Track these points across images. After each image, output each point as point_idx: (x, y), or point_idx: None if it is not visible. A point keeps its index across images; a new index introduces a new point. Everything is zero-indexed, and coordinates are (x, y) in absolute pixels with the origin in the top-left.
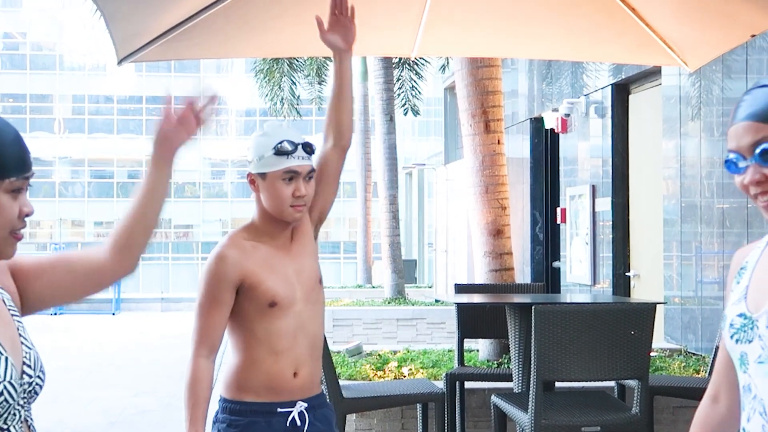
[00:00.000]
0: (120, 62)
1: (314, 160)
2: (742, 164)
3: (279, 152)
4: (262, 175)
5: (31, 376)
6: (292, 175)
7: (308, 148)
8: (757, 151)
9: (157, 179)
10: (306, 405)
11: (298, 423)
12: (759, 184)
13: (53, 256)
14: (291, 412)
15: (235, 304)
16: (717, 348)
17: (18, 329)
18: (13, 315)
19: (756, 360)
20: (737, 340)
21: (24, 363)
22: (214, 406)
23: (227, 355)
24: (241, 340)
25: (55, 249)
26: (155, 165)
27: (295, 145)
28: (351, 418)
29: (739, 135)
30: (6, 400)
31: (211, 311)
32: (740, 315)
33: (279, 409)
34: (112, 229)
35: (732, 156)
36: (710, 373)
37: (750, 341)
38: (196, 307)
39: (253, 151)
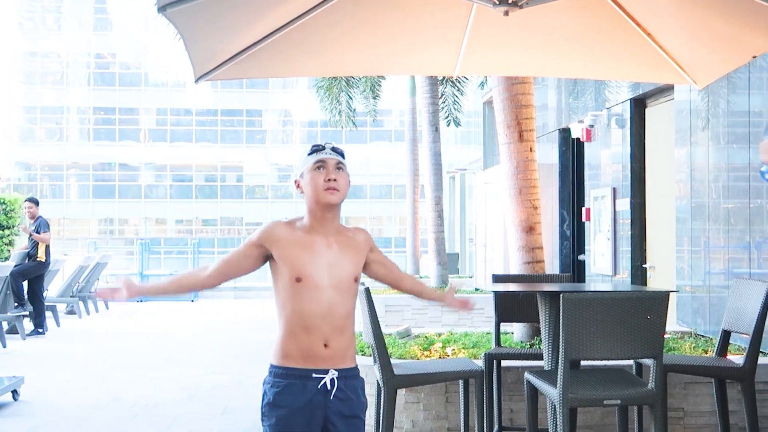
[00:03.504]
0: (197, 80)
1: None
2: None
3: (312, 152)
4: (302, 175)
5: None
6: (321, 165)
7: (336, 149)
8: None
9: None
10: (337, 374)
11: (329, 387)
12: None
13: None
14: (323, 377)
15: (273, 277)
16: (723, 330)
17: None
18: None
19: None
20: None
21: None
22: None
23: (262, 335)
24: (282, 319)
25: (141, 244)
26: None
27: (324, 146)
28: (401, 393)
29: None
30: None
31: (239, 250)
32: None
33: (314, 375)
34: None
35: (764, 168)
36: (717, 353)
37: None
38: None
39: (298, 163)
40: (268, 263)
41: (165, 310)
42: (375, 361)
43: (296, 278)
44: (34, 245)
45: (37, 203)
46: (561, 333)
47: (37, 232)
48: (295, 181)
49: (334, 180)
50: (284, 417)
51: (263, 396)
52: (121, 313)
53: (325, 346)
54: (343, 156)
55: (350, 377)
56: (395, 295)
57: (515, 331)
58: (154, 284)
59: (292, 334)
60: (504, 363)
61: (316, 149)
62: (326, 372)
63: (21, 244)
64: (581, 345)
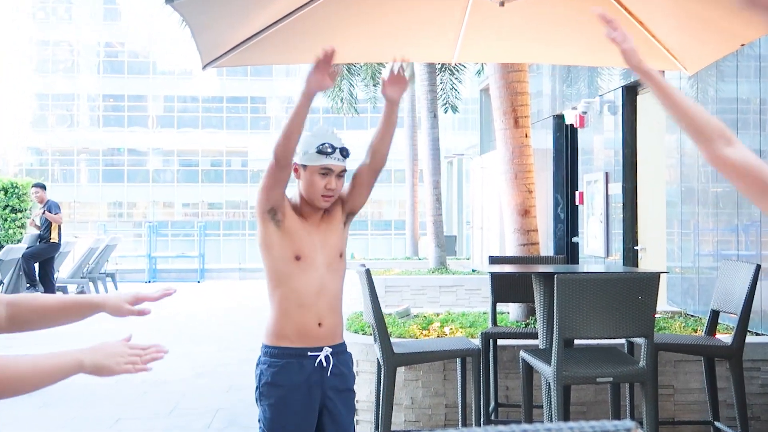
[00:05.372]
0: (204, 67)
1: (353, 165)
2: None
3: (320, 152)
4: (304, 167)
5: None
6: (326, 171)
7: (344, 153)
8: None
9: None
10: (331, 350)
11: (324, 364)
12: None
13: None
14: (318, 355)
15: (267, 251)
16: (712, 310)
17: None
18: None
19: None
20: None
21: None
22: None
23: (266, 311)
24: (275, 297)
25: (149, 226)
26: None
27: (334, 149)
28: (401, 370)
29: None
30: None
31: None
32: None
33: (309, 353)
34: None
35: None
36: (707, 333)
37: None
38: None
39: (301, 145)
40: (259, 233)
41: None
42: (375, 340)
43: (296, 256)
44: (47, 227)
45: (44, 188)
46: (555, 313)
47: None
48: (295, 165)
49: (334, 189)
50: (284, 396)
51: (259, 377)
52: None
53: (319, 325)
54: (348, 156)
55: (341, 352)
56: (395, 276)
57: (511, 311)
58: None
59: (286, 313)
60: (500, 342)
61: (325, 152)
62: (320, 350)
63: (33, 229)
64: (575, 324)
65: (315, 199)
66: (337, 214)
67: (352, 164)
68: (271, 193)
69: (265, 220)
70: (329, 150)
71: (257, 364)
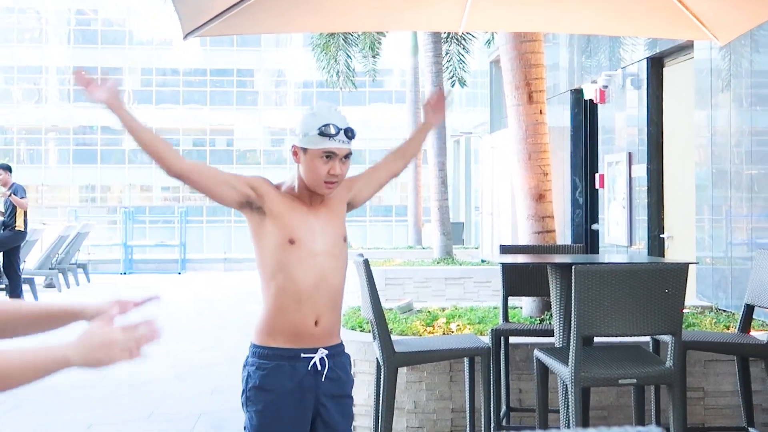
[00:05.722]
0: (185, 37)
1: (372, 163)
2: None
3: (323, 133)
4: (305, 150)
5: None
6: (330, 155)
7: (349, 134)
8: None
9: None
10: (327, 352)
11: (319, 368)
12: None
13: None
14: (313, 357)
15: (258, 241)
16: (746, 305)
17: None
18: None
19: None
20: None
21: None
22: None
23: (258, 306)
24: (271, 290)
25: (124, 212)
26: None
27: (338, 130)
28: (402, 371)
29: None
30: None
31: (221, 170)
32: None
33: (303, 355)
34: None
35: None
36: (740, 330)
37: None
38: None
39: (300, 126)
40: (249, 226)
41: (150, 284)
42: (374, 338)
43: (289, 240)
44: (11, 213)
45: (9, 170)
46: (573, 308)
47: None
48: (294, 148)
49: (339, 175)
50: (273, 402)
51: (246, 380)
52: (103, 286)
53: (316, 323)
54: (353, 137)
55: (338, 354)
56: (396, 267)
57: (524, 306)
58: (133, 116)
59: (281, 309)
60: (512, 339)
61: (328, 133)
62: (315, 351)
63: None
64: (594, 320)
65: (317, 186)
66: (340, 197)
67: (355, 144)
68: (215, 196)
69: (246, 212)
70: (333, 131)
71: (244, 366)
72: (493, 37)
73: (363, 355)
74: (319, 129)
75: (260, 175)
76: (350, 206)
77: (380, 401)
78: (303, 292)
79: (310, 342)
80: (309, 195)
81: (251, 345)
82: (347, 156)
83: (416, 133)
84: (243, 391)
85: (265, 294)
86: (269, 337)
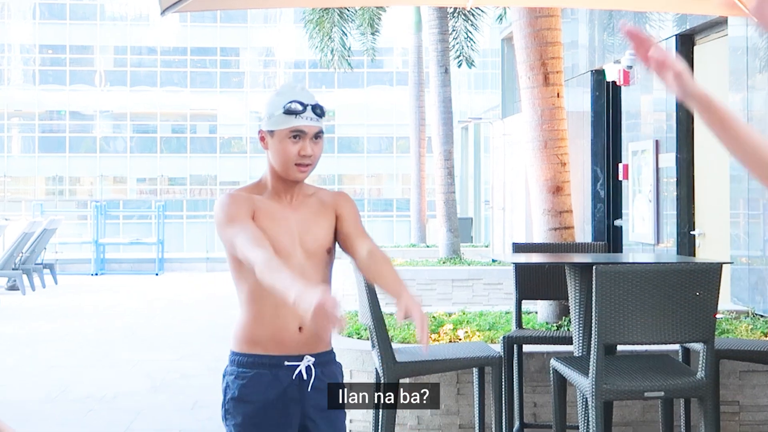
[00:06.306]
0: (163, 12)
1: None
2: None
3: (288, 111)
4: (271, 133)
5: None
6: (298, 134)
7: (318, 110)
8: None
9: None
10: (314, 360)
11: (305, 377)
12: None
13: None
14: (298, 365)
15: (231, 248)
16: None
17: None
18: None
19: None
20: None
21: None
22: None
23: (236, 311)
24: (247, 293)
25: (96, 206)
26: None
27: (305, 106)
28: (404, 382)
29: None
30: None
31: (243, 223)
32: None
33: (286, 362)
34: None
35: None
36: None
37: None
38: (227, 234)
39: (265, 108)
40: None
41: (125, 285)
42: (373, 346)
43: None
44: None
45: None
46: (594, 312)
47: None
48: (261, 133)
49: (310, 156)
50: (253, 414)
51: (225, 390)
52: (73, 288)
53: (300, 329)
54: (324, 115)
55: (328, 362)
56: (397, 267)
57: (539, 311)
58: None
59: (261, 316)
60: (526, 348)
61: (295, 110)
62: (300, 359)
63: None
64: (617, 327)
65: (288, 169)
66: (325, 204)
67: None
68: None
69: None
70: (299, 108)
71: (223, 375)
72: (505, 12)
73: (360, 365)
74: (284, 107)
75: (225, 197)
76: (338, 241)
77: (379, 417)
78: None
79: (294, 349)
80: (284, 188)
81: (230, 353)
82: (318, 135)
83: (388, 290)
84: (222, 403)
85: (240, 297)
86: (249, 344)
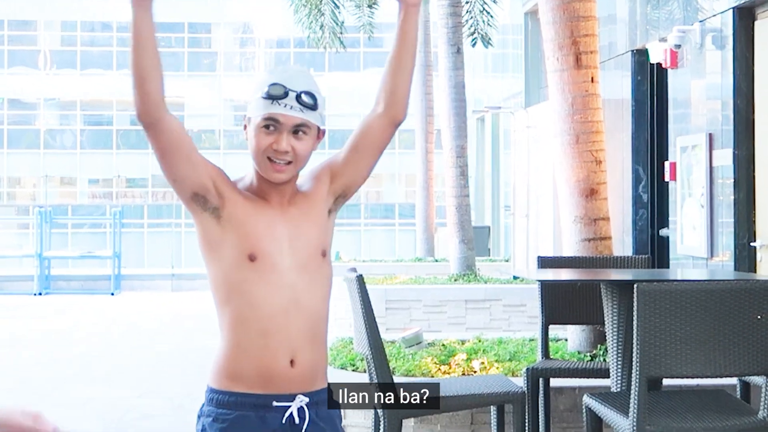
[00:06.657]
0: None
1: (356, 125)
2: None
3: (266, 96)
4: (249, 120)
5: None
6: (271, 124)
7: (303, 99)
8: None
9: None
10: (307, 400)
11: (297, 420)
12: None
13: None
14: (289, 407)
15: (209, 254)
16: None
17: None
18: None
19: None
20: None
21: None
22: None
23: (216, 341)
24: (227, 319)
25: (39, 213)
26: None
27: (287, 91)
28: (408, 424)
29: None
30: None
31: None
32: None
33: (275, 403)
34: None
35: None
36: None
37: None
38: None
39: (251, 97)
40: (197, 230)
41: (75, 307)
42: (371, 380)
43: (249, 255)
44: None
45: None
46: (635, 339)
47: None
48: (243, 120)
49: (285, 152)
50: None
51: None
52: (11, 310)
53: (292, 363)
54: (314, 107)
55: (323, 403)
56: (400, 286)
57: (570, 338)
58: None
59: (244, 346)
60: (553, 382)
61: (273, 95)
62: (292, 398)
63: None
64: (663, 357)
65: (260, 166)
66: (318, 193)
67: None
68: (172, 171)
69: (196, 211)
70: (278, 93)
71: (198, 416)
72: None
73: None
74: (267, 87)
75: (217, 166)
76: (342, 198)
77: None
78: (270, 322)
79: (285, 386)
80: (272, 190)
81: (207, 389)
82: (301, 130)
83: (400, 27)
84: None
85: (221, 323)
86: (230, 380)
